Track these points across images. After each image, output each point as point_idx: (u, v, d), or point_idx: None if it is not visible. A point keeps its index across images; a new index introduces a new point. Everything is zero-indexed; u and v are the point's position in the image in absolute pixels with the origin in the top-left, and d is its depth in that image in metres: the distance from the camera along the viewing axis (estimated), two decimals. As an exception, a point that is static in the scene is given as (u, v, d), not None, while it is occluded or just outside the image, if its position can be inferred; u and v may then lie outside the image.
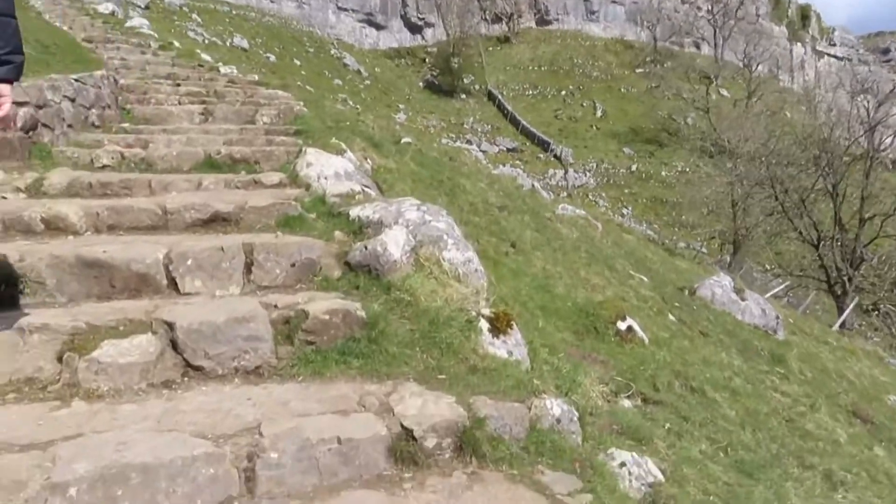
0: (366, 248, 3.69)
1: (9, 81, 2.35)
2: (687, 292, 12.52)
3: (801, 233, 29.71)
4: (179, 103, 8.70)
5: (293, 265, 3.55)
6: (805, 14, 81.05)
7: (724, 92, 59.97)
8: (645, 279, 10.95)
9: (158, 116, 8.10)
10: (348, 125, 8.81)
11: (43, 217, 4.01)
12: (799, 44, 79.06)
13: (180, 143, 6.69)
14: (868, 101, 59.57)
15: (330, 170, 5.34)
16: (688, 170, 48.90)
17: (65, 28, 12.95)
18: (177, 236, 3.96)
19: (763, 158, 33.74)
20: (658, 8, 69.05)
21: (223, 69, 13.47)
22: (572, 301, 6.36)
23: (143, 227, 4.17)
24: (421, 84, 62.03)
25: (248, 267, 3.49)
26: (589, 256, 9.95)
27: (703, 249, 40.43)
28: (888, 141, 36.36)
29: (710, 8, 67.97)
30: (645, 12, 69.96)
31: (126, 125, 7.52)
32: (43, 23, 12.61)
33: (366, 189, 5.05)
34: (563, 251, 9.25)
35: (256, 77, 13.15)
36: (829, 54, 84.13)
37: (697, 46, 70.77)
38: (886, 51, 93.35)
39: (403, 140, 11.73)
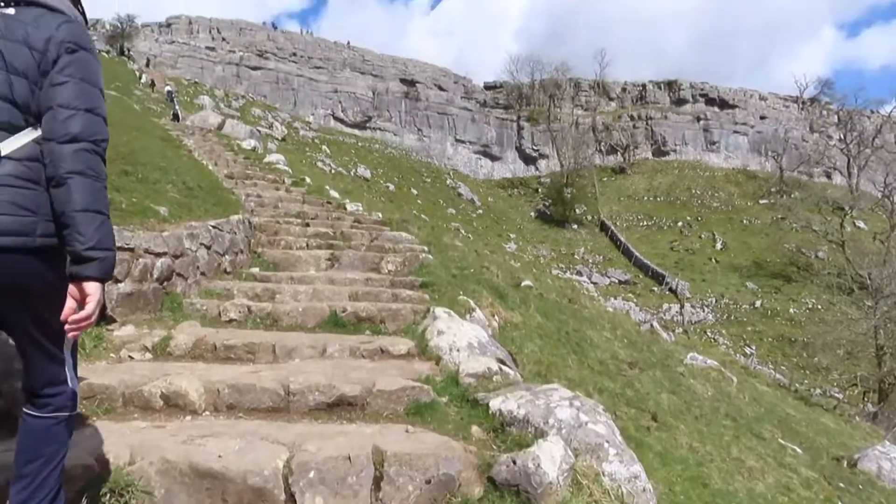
0: (514, 462, 3.09)
1: (96, 279, 2.08)
2: (846, 463, 11.00)
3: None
4: (307, 246, 8.74)
5: (428, 482, 3.00)
6: (946, 143, 76.60)
7: (861, 224, 56.52)
8: (798, 450, 9.61)
9: (287, 261, 8.12)
10: (472, 272, 8.49)
11: (163, 393, 3.76)
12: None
13: (306, 295, 6.53)
14: None
15: (462, 340, 4.87)
16: (820, 307, 45.47)
17: (210, 166, 13.84)
18: (299, 426, 3.55)
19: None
20: (785, 138, 67.54)
21: (349, 206, 13.83)
22: (736, 500, 5.37)
23: (263, 409, 3.81)
24: (532, 213, 62.71)
25: (377, 482, 2.97)
26: (733, 424, 8.82)
27: (841, 397, 36.68)
28: None
29: (842, 136, 65.64)
30: (770, 142, 68.62)
31: (255, 271, 7.52)
32: (193, 161, 13.54)
33: (503, 367, 4.51)
34: (706, 420, 8.21)
35: (381, 215, 13.36)
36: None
37: (829, 176, 67.99)
38: None
39: (524, 283, 11.33)
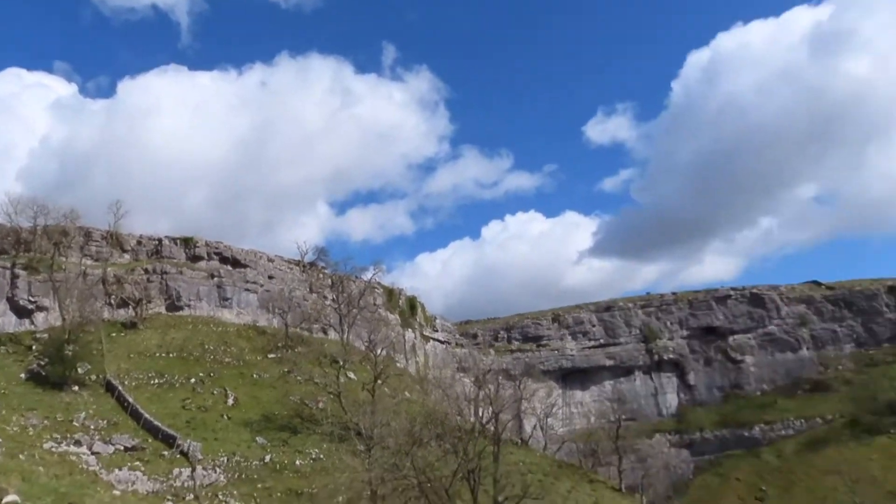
0: None
1: None
2: None
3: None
4: None
5: None
6: (413, 304, 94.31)
7: (352, 375, 63.72)
8: None
9: None
10: None
11: None
12: (410, 329, 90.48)
13: None
14: (471, 380, 68.58)
15: None
16: (322, 457, 48.70)
17: None
18: None
19: (405, 447, 35.16)
20: (289, 296, 73.57)
21: None
22: None
23: None
24: (23, 375, 53.76)
25: None
26: None
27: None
28: (505, 419, 41.28)
29: (335, 297, 74.59)
30: (276, 300, 73.75)
31: None
32: None
33: None
34: None
35: None
36: (434, 339, 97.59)
37: (325, 332, 75.93)
38: (475, 335, 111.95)
39: (6, 499, 9.14)
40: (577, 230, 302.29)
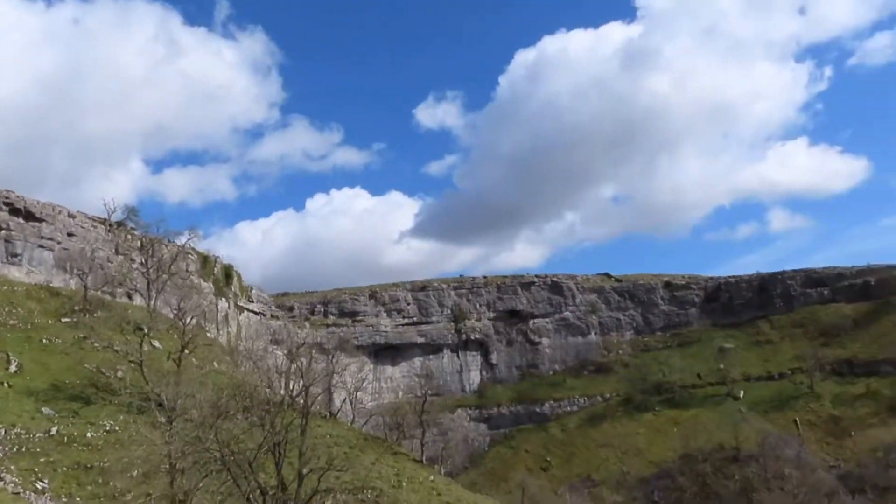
0: None
1: None
2: None
3: (248, 499, 30.82)
4: None
5: None
6: (228, 273, 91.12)
7: (157, 344, 60.61)
8: None
9: None
10: None
11: None
12: (224, 299, 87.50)
13: None
14: (284, 353, 68.27)
15: None
16: (118, 429, 46.18)
17: None
18: None
19: (210, 419, 34.56)
20: (91, 256, 67.86)
21: None
22: None
23: None
24: None
25: None
26: None
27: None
28: (315, 392, 41.70)
29: (143, 261, 70.11)
30: (75, 259, 67.76)
31: None
32: None
33: None
34: None
35: None
36: (248, 309, 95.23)
37: (130, 297, 71.18)
38: (291, 308, 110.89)
39: None
40: (401, 210, 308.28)
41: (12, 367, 50.41)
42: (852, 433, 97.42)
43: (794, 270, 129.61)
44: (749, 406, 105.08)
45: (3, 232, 66.07)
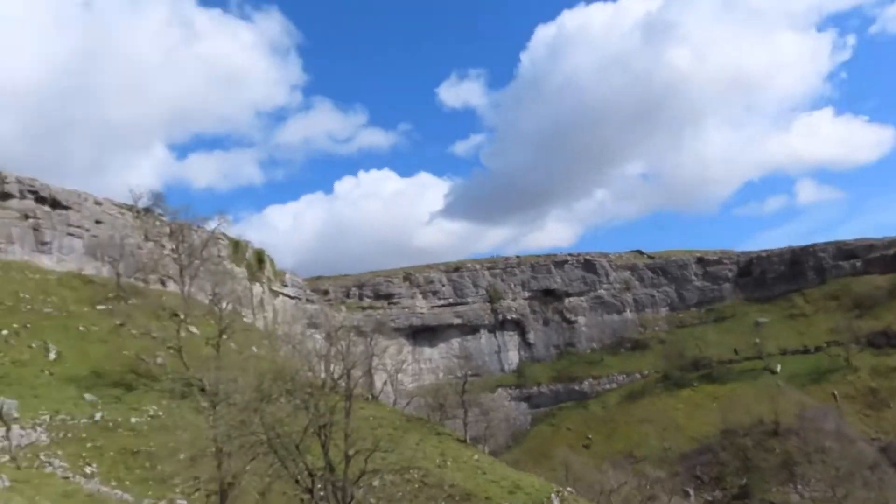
0: None
1: None
2: None
3: (297, 480, 29.35)
4: None
5: None
6: (260, 258, 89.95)
7: (194, 329, 59.56)
8: None
9: None
10: None
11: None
12: (257, 284, 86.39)
13: None
14: (322, 336, 66.82)
15: None
16: (161, 414, 45.31)
17: None
18: None
19: (254, 403, 33.18)
20: (121, 244, 66.82)
21: None
22: None
23: None
24: None
25: None
26: None
27: (185, 503, 36.71)
28: (357, 375, 40.30)
29: (174, 247, 68.98)
30: (105, 246, 66.77)
31: None
32: None
33: None
34: None
35: None
36: (283, 294, 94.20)
37: (164, 283, 70.13)
38: (326, 292, 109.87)
39: None
40: (430, 191, 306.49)
41: (51, 355, 49.63)
42: (891, 405, 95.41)
43: (826, 243, 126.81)
44: (786, 380, 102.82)
45: (30, 220, 65.21)
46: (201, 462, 35.24)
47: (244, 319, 72.91)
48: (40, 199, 67.09)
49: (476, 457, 60.33)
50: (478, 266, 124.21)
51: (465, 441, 67.54)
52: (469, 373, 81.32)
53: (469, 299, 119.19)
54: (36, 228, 65.23)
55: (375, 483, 44.44)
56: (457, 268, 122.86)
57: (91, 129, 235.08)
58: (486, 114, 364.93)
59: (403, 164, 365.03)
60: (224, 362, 47.23)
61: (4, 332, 50.67)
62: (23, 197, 66.03)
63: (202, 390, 42.39)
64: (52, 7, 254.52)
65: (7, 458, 35.53)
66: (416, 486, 47.94)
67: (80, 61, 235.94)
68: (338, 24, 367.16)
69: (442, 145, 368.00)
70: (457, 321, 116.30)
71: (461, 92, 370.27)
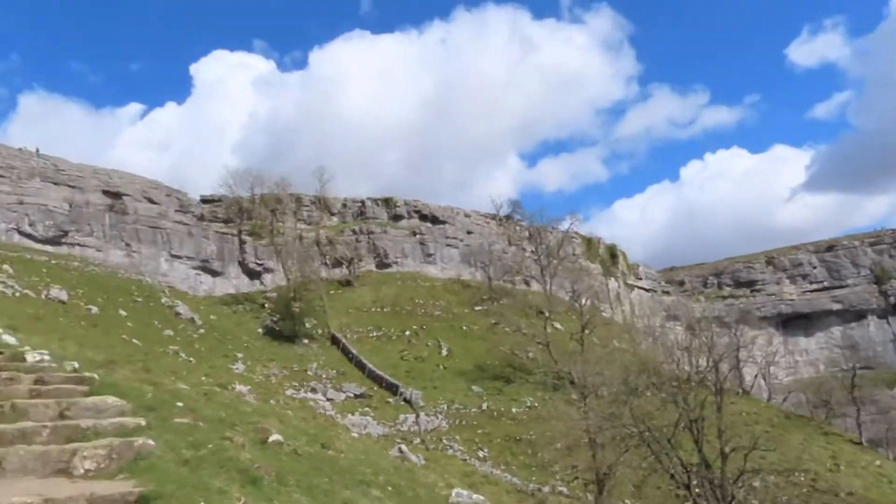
0: None
1: None
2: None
3: (672, 475, 29.25)
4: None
5: None
6: (613, 253, 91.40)
7: (559, 325, 63.20)
8: None
9: None
10: (211, 450, 6.61)
11: None
12: (612, 278, 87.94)
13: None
14: (682, 328, 64.98)
15: None
16: (536, 405, 48.92)
17: None
18: None
19: (622, 396, 34.00)
20: (489, 250, 74.50)
21: (31, 355, 10.78)
22: None
23: None
24: (260, 330, 59.49)
25: None
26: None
27: (565, 490, 38.91)
28: (724, 368, 38.66)
29: (534, 249, 74.24)
30: (477, 254, 75.06)
31: None
32: None
33: None
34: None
35: (76, 365, 10.59)
36: (638, 287, 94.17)
37: (528, 284, 76.03)
38: (682, 282, 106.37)
39: (272, 438, 9.58)
40: (788, 164, 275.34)
41: (443, 352, 57.53)
42: None
43: None
44: None
45: (417, 236, 76.64)
46: (577, 451, 37.13)
47: (603, 314, 74.97)
48: (423, 217, 78.79)
49: (878, 462, 52.71)
50: (856, 242, 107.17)
51: (860, 443, 59.35)
52: (858, 365, 71.01)
53: (849, 281, 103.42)
54: (422, 242, 76.64)
55: (756, 484, 41.71)
56: (830, 246, 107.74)
57: (456, 149, 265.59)
58: (849, 66, 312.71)
59: (753, 139, 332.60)
60: (589, 356, 49.23)
61: (407, 332, 60.46)
62: (409, 217, 78.42)
63: (571, 383, 44.68)
64: (418, 49, 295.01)
65: (418, 440, 42.33)
66: (805, 490, 43.78)
67: (441, 91, 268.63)
68: (668, 5, 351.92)
69: (797, 112, 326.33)
70: (836, 307, 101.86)
71: (816, 47, 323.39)
